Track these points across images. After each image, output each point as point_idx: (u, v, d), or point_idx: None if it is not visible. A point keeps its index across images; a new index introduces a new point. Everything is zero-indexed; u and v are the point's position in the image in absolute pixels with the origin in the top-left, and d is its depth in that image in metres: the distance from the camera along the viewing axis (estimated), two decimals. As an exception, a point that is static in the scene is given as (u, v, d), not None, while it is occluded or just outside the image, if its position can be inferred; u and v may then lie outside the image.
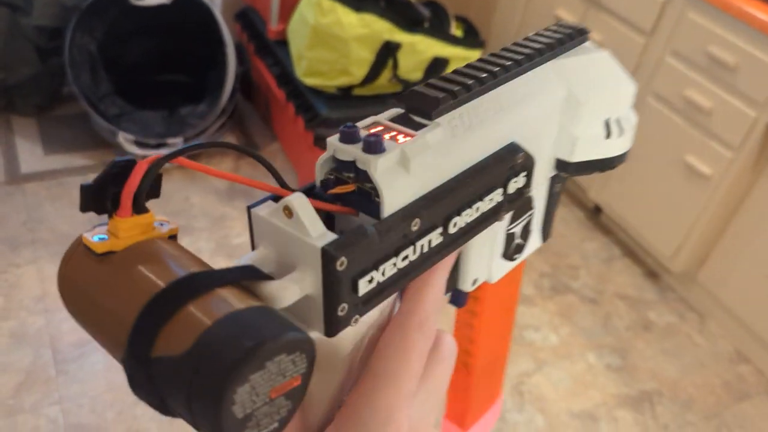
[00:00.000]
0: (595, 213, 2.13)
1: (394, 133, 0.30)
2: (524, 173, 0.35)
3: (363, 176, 0.30)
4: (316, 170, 0.32)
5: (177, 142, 1.99)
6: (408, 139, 0.30)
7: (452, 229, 0.32)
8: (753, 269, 1.67)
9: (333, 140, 0.30)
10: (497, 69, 0.34)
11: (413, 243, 0.30)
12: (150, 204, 0.28)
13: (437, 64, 1.81)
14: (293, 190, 0.30)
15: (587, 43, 0.40)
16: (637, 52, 1.84)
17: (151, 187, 0.28)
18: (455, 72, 0.34)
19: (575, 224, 2.10)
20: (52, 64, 2.05)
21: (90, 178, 1.72)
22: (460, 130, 0.31)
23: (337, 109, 1.80)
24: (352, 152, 0.30)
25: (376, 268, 0.29)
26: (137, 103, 2.10)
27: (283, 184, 0.31)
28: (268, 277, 0.28)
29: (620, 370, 1.64)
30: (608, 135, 0.38)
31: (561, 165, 0.38)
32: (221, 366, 0.22)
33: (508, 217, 0.37)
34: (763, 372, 1.70)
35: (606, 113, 0.38)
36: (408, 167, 0.29)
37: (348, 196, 0.30)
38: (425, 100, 0.31)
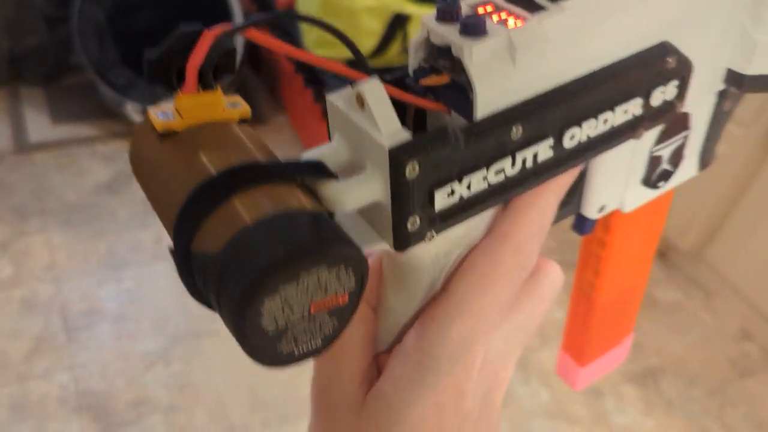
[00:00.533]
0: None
1: (505, 15, 0.25)
2: (676, 82, 0.28)
3: (459, 65, 0.25)
4: (409, 54, 0.27)
5: (185, 113, 1.98)
6: (521, 23, 0.24)
7: (568, 143, 0.26)
8: (761, 247, 1.67)
9: (428, 18, 0.25)
10: None
11: (513, 154, 0.25)
12: None
13: (448, 37, 1.80)
14: (372, 75, 0.25)
15: None
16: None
17: (224, 62, 0.25)
18: None
19: (583, 201, 2.09)
20: (59, 33, 2.04)
21: (97, 148, 1.72)
22: (591, 17, 0.25)
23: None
24: (446, 34, 0.25)
25: (459, 179, 0.24)
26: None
27: (366, 67, 0.27)
28: (333, 176, 0.25)
29: (625, 346, 1.65)
30: None
31: (733, 78, 0.31)
32: (247, 273, 0.20)
33: (653, 135, 0.31)
34: (767, 349, 1.71)
35: None
36: (515, 59, 0.24)
37: (441, 89, 0.26)
38: None
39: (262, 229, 0.21)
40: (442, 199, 0.24)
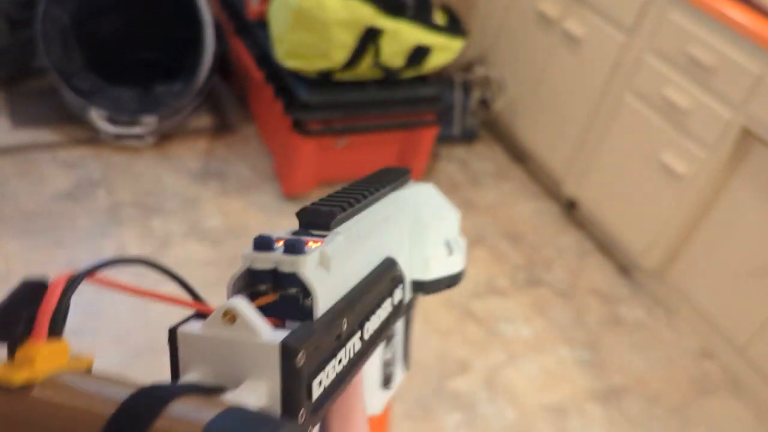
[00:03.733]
0: (569, 207, 2.15)
1: (305, 240, 0.32)
2: (401, 285, 0.37)
3: (286, 282, 0.30)
4: (227, 292, 0.31)
5: (151, 121, 1.95)
6: (320, 243, 0.31)
7: (366, 335, 0.33)
8: (722, 268, 1.70)
9: (247, 252, 0.30)
10: (364, 193, 0.38)
11: (344, 345, 0.30)
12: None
13: (419, 52, 1.80)
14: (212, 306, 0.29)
15: (410, 180, 0.46)
16: (616, 49, 1.85)
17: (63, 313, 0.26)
18: (332, 196, 0.38)
19: (550, 218, 2.11)
20: (22, 36, 1.99)
21: (59, 154, 1.67)
22: (354, 238, 0.34)
23: (317, 93, 1.78)
24: (272, 258, 0.30)
25: (322, 368, 0.28)
26: (111, 79, 2.04)
27: (198, 298, 0.30)
28: (220, 390, 0.26)
29: (591, 364, 1.66)
30: (450, 253, 0.43)
31: (417, 286, 0.41)
32: None
33: (381, 345, 0.40)
34: (727, 368, 1.73)
35: (445, 235, 0.43)
36: (329, 267, 0.30)
37: (271, 306, 0.30)
38: (322, 214, 0.34)
39: (223, 425, 0.21)
40: (316, 390, 0.28)
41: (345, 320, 0.30)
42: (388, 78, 1.86)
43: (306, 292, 0.30)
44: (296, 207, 1.93)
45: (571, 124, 2.04)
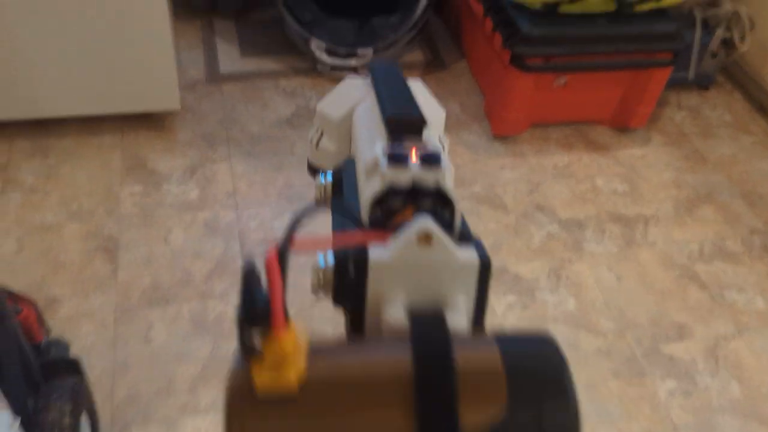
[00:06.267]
0: (823, 169, 1.84)
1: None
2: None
3: (420, 196, 0.31)
4: (362, 212, 0.33)
5: (367, 53, 1.95)
6: (415, 149, 0.34)
7: None
8: None
9: (386, 170, 0.31)
10: (408, 93, 0.41)
11: None
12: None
13: (661, -18, 1.60)
14: (377, 230, 0.31)
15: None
16: None
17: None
18: (392, 97, 0.40)
19: (797, 179, 1.83)
20: (253, -33, 2.08)
21: (280, 82, 1.72)
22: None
23: (540, 26, 1.66)
24: (411, 173, 0.31)
25: None
26: (331, 11, 2.08)
27: (361, 225, 0.32)
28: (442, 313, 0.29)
29: (839, 350, 1.43)
30: (444, 149, 0.43)
31: None
32: (553, 379, 0.23)
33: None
34: None
35: (438, 131, 0.46)
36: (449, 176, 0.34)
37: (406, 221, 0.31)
38: (415, 121, 0.36)
39: (513, 358, 0.24)
40: None
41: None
42: (622, 11, 1.69)
43: (444, 202, 0.31)
44: (506, 147, 1.85)
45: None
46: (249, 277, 0.25)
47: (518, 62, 1.68)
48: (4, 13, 1.46)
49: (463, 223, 0.37)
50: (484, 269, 0.29)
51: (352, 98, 0.49)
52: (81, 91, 1.64)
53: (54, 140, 1.73)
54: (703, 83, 2.09)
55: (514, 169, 1.79)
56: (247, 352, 0.23)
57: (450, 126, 1.90)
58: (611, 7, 1.67)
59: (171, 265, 1.47)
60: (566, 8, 1.68)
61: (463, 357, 0.22)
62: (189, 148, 1.76)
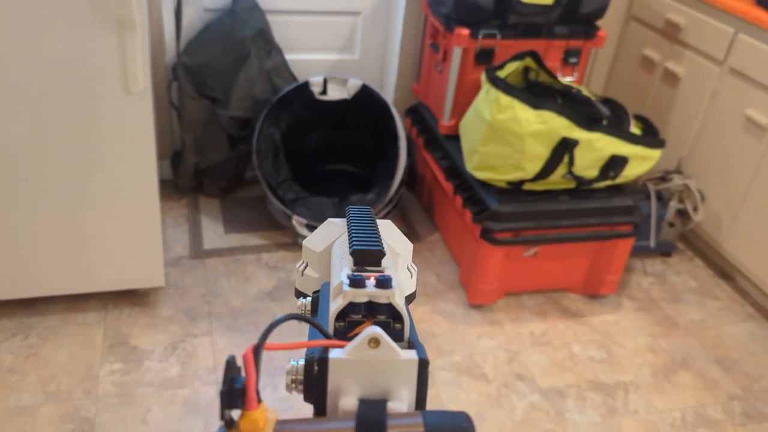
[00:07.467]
0: (789, 331, 1.90)
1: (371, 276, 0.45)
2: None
3: (375, 311, 0.40)
4: (329, 324, 0.41)
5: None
6: (373, 278, 0.44)
7: None
8: None
9: (347, 290, 0.41)
10: (377, 232, 0.53)
11: None
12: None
13: (615, 162, 1.76)
14: (339, 338, 0.41)
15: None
16: None
17: None
18: (360, 233, 0.51)
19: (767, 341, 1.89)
20: (239, 151, 2.23)
21: (263, 256, 1.78)
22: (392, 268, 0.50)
23: (506, 203, 1.78)
24: (369, 293, 0.40)
25: None
26: (311, 189, 2.21)
27: (329, 335, 0.40)
28: (385, 401, 0.37)
29: None
30: (411, 275, 0.56)
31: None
32: None
33: None
34: None
35: (406, 260, 0.56)
36: (403, 296, 0.42)
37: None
38: (375, 254, 0.45)
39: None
40: None
41: None
42: (581, 188, 1.83)
43: (395, 317, 0.40)
44: (483, 315, 1.90)
45: (789, 239, 1.84)
46: (230, 368, 0.34)
47: (488, 236, 1.78)
48: None
49: (412, 332, 0.48)
50: (423, 366, 0.36)
51: (331, 235, 0.60)
52: (69, 272, 1.68)
53: (38, 318, 1.74)
54: (665, 251, 2.20)
55: (493, 337, 1.82)
56: (228, 425, 0.32)
57: (427, 295, 1.95)
58: (571, 184, 1.81)
59: (147, 447, 1.43)
60: (530, 186, 1.81)
61: (392, 426, 0.32)
62: (171, 323, 1.78)
